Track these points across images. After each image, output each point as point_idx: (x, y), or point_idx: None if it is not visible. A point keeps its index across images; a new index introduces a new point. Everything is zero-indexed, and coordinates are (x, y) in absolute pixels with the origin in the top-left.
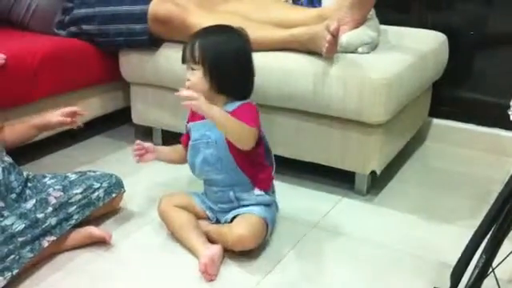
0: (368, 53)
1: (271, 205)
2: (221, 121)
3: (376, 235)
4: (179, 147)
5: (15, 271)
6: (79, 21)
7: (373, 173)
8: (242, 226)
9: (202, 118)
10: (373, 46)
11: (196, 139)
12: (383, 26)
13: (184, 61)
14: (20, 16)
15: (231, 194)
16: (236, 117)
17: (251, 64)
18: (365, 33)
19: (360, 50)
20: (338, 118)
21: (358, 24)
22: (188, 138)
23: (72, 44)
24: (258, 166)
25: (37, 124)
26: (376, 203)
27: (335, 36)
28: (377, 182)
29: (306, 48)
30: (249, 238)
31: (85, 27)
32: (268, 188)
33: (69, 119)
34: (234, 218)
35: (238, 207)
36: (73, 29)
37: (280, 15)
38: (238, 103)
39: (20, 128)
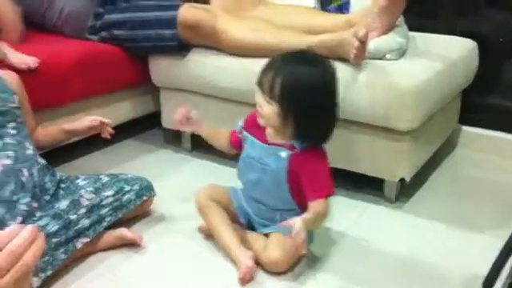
0: (396, 59)
1: None
2: (317, 224)
3: (404, 243)
4: (223, 134)
5: (49, 272)
6: (110, 26)
7: (402, 180)
8: (278, 251)
9: (262, 134)
10: (401, 53)
11: (252, 157)
12: (412, 33)
13: (259, 84)
14: (53, 20)
15: (277, 215)
16: (308, 167)
17: (336, 107)
18: (393, 39)
19: (388, 56)
20: (367, 124)
21: (387, 30)
22: (239, 141)
23: (103, 49)
24: None
25: (66, 129)
26: (405, 211)
27: (363, 42)
28: (406, 190)
29: (334, 54)
30: (283, 263)
31: (115, 32)
32: None
33: (97, 122)
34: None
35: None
36: (104, 34)
37: (308, 21)
38: (305, 142)
39: (52, 131)
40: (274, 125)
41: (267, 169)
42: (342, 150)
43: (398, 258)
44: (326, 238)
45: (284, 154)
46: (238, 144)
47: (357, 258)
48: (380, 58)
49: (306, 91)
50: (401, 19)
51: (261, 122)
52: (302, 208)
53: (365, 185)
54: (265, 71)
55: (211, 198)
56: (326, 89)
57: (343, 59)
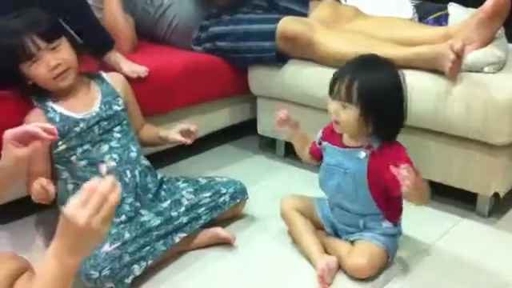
0: (494, 73)
1: (396, 235)
2: (424, 193)
3: (496, 260)
4: (309, 143)
5: (149, 262)
6: (214, 38)
7: (496, 195)
8: (362, 256)
9: (338, 140)
10: (500, 66)
11: (332, 165)
12: None
13: (332, 93)
14: (163, 31)
15: (361, 222)
16: (387, 159)
17: (405, 104)
18: (491, 52)
19: (486, 69)
20: (461, 137)
21: (485, 43)
22: (318, 151)
23: (207, 59)
24: (392, 200)
25: (160, 135)
26: (498, 227)
27: (459, 56)
28: (500, 205)
29: (430, 66)
30: (367, 269)
31: (219, 44)
32: (397, 221)
33: (183, 139)
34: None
35: (363, 230)
36: (208, 45)
37: (405, 33)
38: (380, 140)
39: (152, 133)
40: (351, 129)
41: (348, 172)
42: (434, 162)
43: (489, 276)
44: (414, 249)
45: (363, 154)
46: (317, 154)
47: (443, 271)
48: (477, 71)
49: (383, 90)
50: (501, 31)
51: (338, 129)
52: (385, 212)
53: (457, 198)
54: (336, 79)
55: (295, 207)
56: (399, 85)
57: (438, 71)
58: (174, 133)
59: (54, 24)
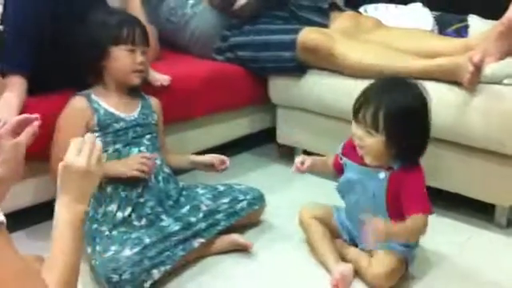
0: None
1: (413, 246)
2: (404, 238)
3: None
4: (329, 162)
5: (168, 267)
6: (235, 47)
7: None
8: (382, 266)
9: (359, 157)
10: None
11: (351, 180)
12: None
13: (357, 118)
14: (185, 41)
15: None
16: (406, 184)
17: (430, 126)
18: (511, 64)
19: (505, 81)
20: (479, 148)
21: (504, 56)
22: (340, 166)
23: (228, 68)
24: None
25: (193, 160)
26: None
27: (478, 68)
28: None
29: (449, 78)
30: (387, 279)
31: (239, 53)
32: None
33: (215, 168)
34: None
35: None
36: (229, 54)
37: (425, 45)
38: (401, 161)
39: (179, 158)
40: (375, 154)
41: (368, 190)
42: (453, 173)
43: (505, 286)
44: (431, 260)
45: (382, 175)
46: (339, 168)
47: (461, 283)
48: (497, 83)
49: (409, 117)
50: None
51: (361, 152)
52: None
53: (475, 209)
54: (361, 104)
55: (313, 216)
56: (425, 110)
57: (457, 83)
58: (208, 157)
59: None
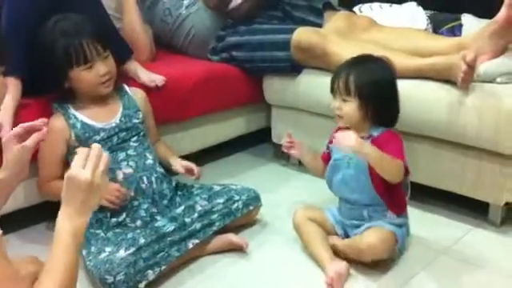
0: (507, 83)
1: (402, 226)
2: (376, 160)
3: (507, 269)
4: (320, 158)
5: (163, 267)
6: (230, 48)
7: (508, 204)
8: (373, 236)
9: None
10: None
11: (337, 159)
12: None
13: (333, 91)
14: (180, 41)
15: (365, 212)
16: (382, 144)
17: (398, 91)
18: (504, 63)
19: (499, 80)
20: (473, 147)
21: (498, 54)
22: (328, 157)
23: (223, 69)
24: (394, 190)
25: (170, 160)
26: (510, 236)
27: (471, 66)
28: None
29: (442, 77)
30: (379, 247)
31: (234, 54)
32: (400, 213)
33: (184, 172)
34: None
35: (369, 221)
36: (224, 55)
37: (419, 44)
38: (381, 128)
39: (164, 154)
40: (353, 121)
41: (350, 162)
42: (447, 171)
43: (501, 285)
44: (425, 257)
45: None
46: (327, 159)
47: (455, 280)
48: (490, 82)
49: (378, 80)
50: None
51: (341, 122)
52: (388, 203)
53: (469, 207)
54: (334, 78)
55: (307, 217)
56: (393, 76)
57: (450, 82)
58: (179, 165)
59: (105, 32)
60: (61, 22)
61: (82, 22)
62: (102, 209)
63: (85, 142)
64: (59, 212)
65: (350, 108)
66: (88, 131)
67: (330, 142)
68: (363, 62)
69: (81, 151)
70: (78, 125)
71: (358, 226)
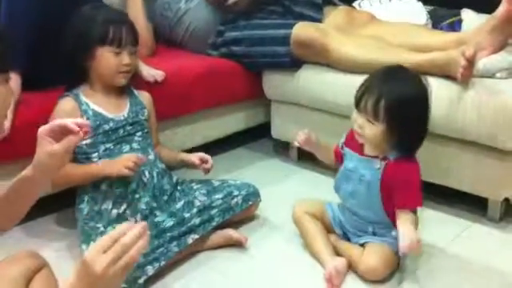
0: (506, 78)
1: None
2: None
3: (506, 264)
4: (330, 151)
5: (162, 263)
6: (230, 43)
7: (507, 200)
8: (374, 258)
9: (358, 146)
10: None
11: (349, 169)
12: None
13: (358, 107)
14: (180, 36)
15: (370, 228)
16: (397, 174)
17: (429, 116)
18: (504, 58)
19: (498, 75)
20: (472, 142)
21: (497, 49)
22: (340, 155)
23: (222, 64)
24: None
25: (180, 157)
26: (509, 231)
27: (471, 62)
28: (511, 210)
29: (442, 72)
30: (380, 270)
31: (234, 49)
32: None
33: (200, 163)
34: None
35: (372, 236)
36: (223, 50)
37: (419, 39)
38: (399, 153)
39: (170, 154)
40: (374, 143)
41: (363, 180)
42: (446, 167)
43: (500, 280)
44: (425, 253)
45: (378, 164)
46: (339, 157)
47: (454, 275)
48: (490, 77)
49: (410, 107)
50: None
51: (360, 140)
52: (395, 224)
53: (468, 203)
54: (363, 92)
55: (306, 211)
56: (425, 101)
57: (450, 77)
58: (193, 157)
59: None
60: (106, 7)
61: (125, 13)
62: (104, 200)
63: (95, 129)
64: (67, 283)
65: (373, 132)
66: (99, 119)
67: (345, 143)
68: (398, 80)
69: (114, 232)
70: (90, 112)
71: (360, 235)
